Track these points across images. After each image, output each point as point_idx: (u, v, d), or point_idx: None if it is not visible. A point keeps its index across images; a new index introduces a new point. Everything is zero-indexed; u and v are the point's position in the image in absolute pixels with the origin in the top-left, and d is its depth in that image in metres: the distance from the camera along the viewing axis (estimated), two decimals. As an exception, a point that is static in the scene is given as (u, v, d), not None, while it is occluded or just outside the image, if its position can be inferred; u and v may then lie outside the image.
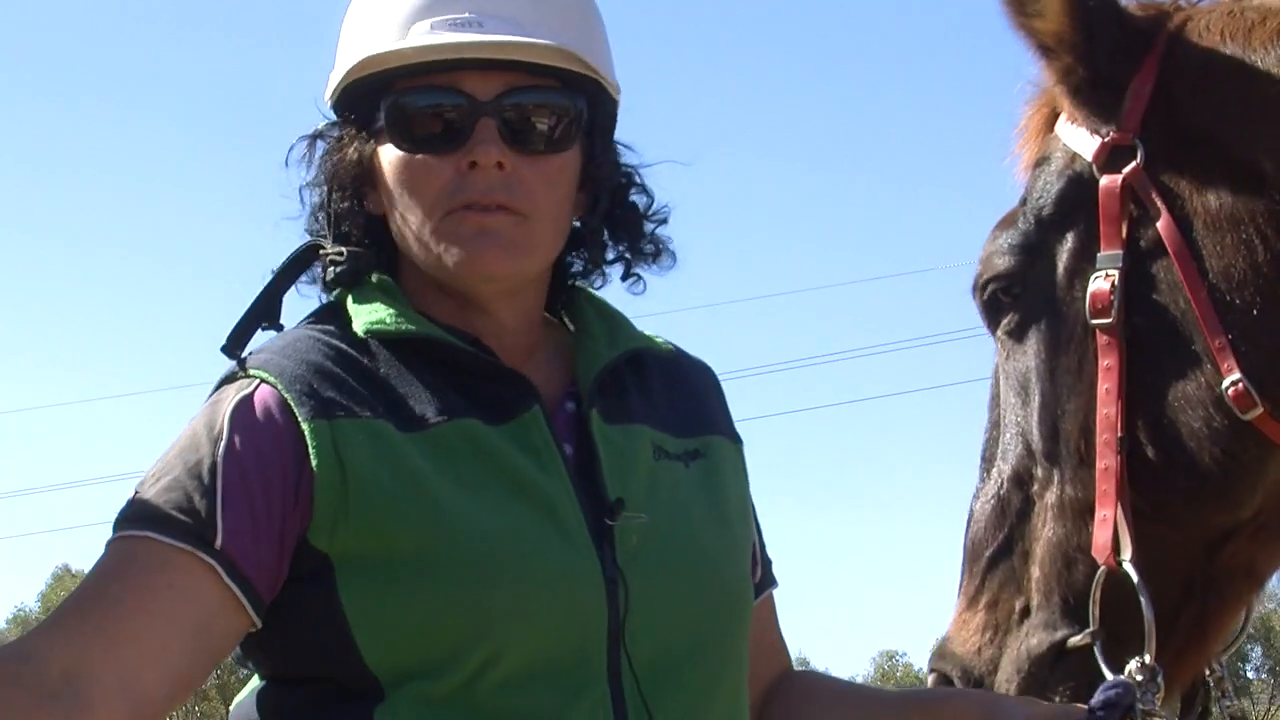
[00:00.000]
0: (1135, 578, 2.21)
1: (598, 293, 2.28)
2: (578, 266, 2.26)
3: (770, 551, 2.38)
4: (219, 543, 1.91)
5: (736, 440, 2.30)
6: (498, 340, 2.12)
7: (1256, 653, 52.52)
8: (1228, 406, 2.20)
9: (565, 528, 1.99)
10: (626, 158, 2.24)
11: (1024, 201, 2.43)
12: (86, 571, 1.96)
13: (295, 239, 2.21)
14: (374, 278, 2.15)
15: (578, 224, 2.21)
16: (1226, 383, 2.19)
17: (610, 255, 2.25)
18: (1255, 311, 2.20)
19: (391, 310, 2.09)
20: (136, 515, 1.93)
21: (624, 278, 2.27)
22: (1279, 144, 2.23)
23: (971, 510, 2.46)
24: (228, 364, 2.09)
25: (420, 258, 2.11)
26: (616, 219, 2.23)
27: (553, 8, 2.12)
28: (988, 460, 2.46)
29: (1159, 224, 2.26)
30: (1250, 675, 54.36)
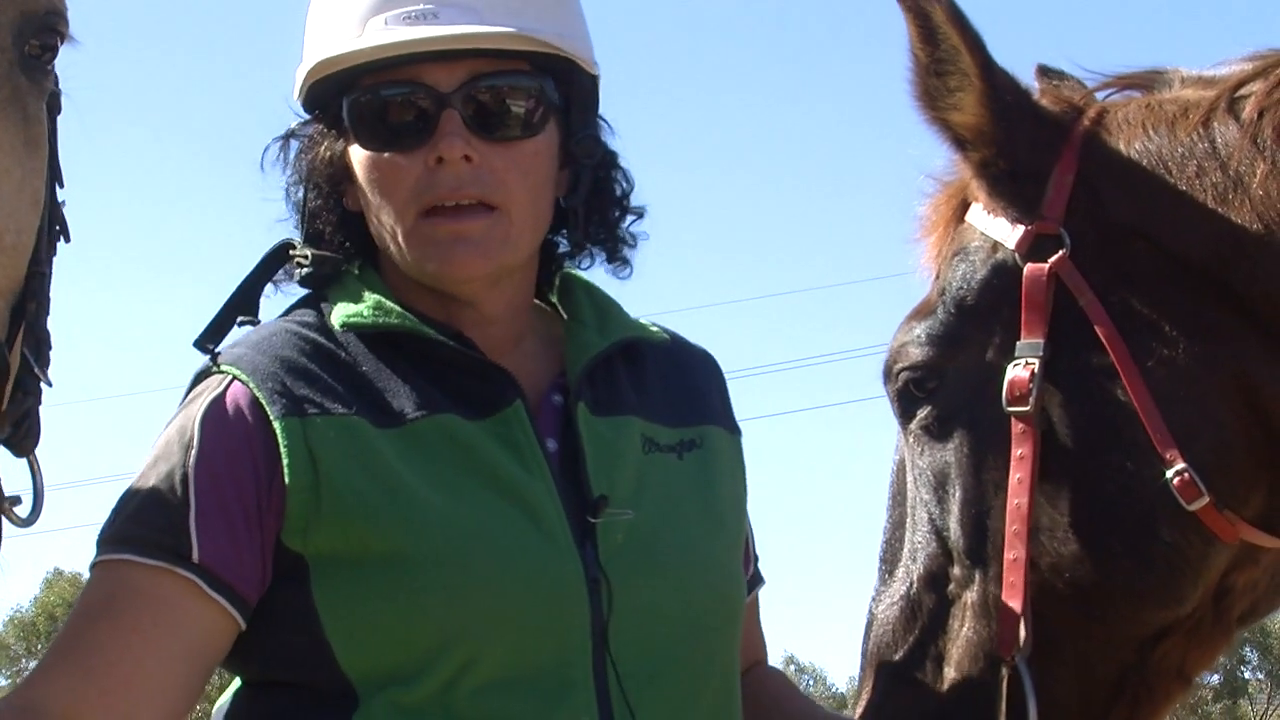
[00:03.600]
0: (1025, 673, 2.15)
1: (586, 274, 2.21)
2: (564, 247, 2.19)
3: (771, 549, 2.32)
4: (195, 555, 1.87)
5: (735, 431, 2.23)
6: (481, 331, 2.06)
7: (1254, 655, 52.49)
8: (1172, 497, 2.12)
9: (545, 526, 1.93)
10: (611, 141, 2.17)
11: (941, 291, 2.35)
12: (80, 573, 1.94)
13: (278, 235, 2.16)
14: (355, 269, 2.09)
15: (561, 202, 2.14)
16: (1171, 472, 2.12)
17: (596, 234, 2.17)
18: (1199, 402, 2.14)
19: (370, 303, 2.02)
20: (116, 536, 1.92)
21: (609, 260, 2.20)
22: (1208, 235, 2.18)
23: (872, 614, 2.35)
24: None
25: (397, 259, 2.05)
26: (598, 196, 2.15)
27: None
28: (889, 561, 2.36)
29: (1091, 313, 2.19)
30: (1248, 676, 54.35)
